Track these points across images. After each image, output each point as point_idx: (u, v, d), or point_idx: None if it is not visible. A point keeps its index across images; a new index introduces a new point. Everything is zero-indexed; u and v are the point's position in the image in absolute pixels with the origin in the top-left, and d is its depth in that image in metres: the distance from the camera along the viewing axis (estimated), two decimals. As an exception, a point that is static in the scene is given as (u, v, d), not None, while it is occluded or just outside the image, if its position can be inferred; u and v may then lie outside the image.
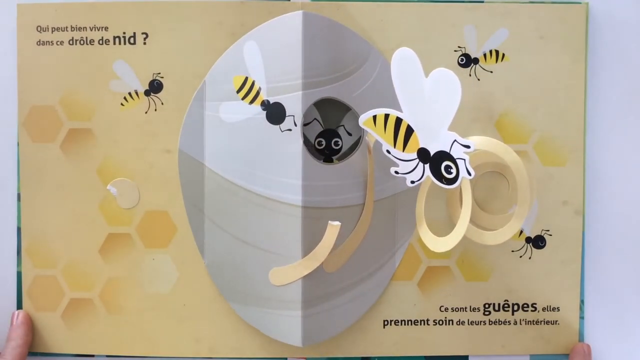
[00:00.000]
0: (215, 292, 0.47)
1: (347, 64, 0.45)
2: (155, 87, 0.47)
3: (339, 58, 0.44)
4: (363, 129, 0.43)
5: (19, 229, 0.47)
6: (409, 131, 0.40)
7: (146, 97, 0.47)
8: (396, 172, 0.42)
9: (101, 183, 0.47)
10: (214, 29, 0.46)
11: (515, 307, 0.47)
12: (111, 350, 0.48)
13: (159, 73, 0.47)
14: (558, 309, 0.47)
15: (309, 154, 0.44)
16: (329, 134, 0.47)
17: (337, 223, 0.43)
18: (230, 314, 0.47)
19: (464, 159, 0.38)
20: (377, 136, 0.42)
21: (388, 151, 0.42)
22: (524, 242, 0.47)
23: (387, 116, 0.41)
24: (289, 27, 0.44)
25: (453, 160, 0.39)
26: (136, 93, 0.47)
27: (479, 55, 0.47)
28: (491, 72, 0.47)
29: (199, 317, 0.47)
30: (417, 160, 0.41)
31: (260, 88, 0.44)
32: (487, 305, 0.47)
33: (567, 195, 0.47)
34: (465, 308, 0.47)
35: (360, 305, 0.46)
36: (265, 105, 0.44)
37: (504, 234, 0.42)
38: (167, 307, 0.47)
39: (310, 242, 0.44)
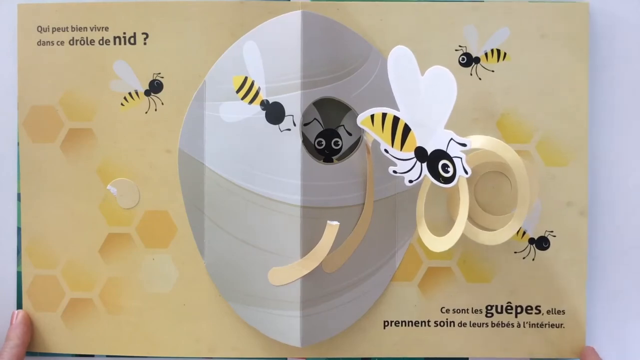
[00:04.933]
0: (215, 292, 0.46)
1: (347, 63, 0.44)
2: (155, 87, 0.46)
3: (339, 57, 0.44)
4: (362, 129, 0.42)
5: (19, 229, 0.47)
6: (406, 130, 0.40)
7: (146, 97, 0.47)
8: (394, 172, 0.42)
9: (101, 183, 0.47)
10: (214, 29, 0.46)
11: (519, 310, 0.46)
12: (111, 350, 0.47)
13: (159, 73, 0.47)
14: (563, 312, 0.46)
15: (308, 154, 0.43)
16: (329, 134, 0.46)
17: (336, 223, 0.43)
18: (230, 314, 0.47)
19: (461, 157, 0.37)
20: (375, 135, 0.41)
21: (386, 150, 0.41)
22: (527, 243, 0.46)
23: (384, 115, 0.40)
24: (288, 26, 0.43)
25: (450, 158, 0.38)
26: (136, 93, 0.46)
27: (480, 55, 0.46)
28: (492, 71, 0.46)
29: (198, 317, 0.47)
30: (415, 159, 0.40)
31: (259, 88, 0.43)
32: (489, 307, 0.47)
33: (571, 196, 0.46)
34: (467, 310, 0.47)
35: (360, 305, 0.46)
36: (265, 105, 0.43)
37: (503, 234, 0.41)
38: (167, 307, 0.47)
39: (309, 242, 0.43)
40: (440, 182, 0.39)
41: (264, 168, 0.44)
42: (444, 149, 0.38)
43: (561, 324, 0.46)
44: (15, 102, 0.47)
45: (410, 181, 0.41)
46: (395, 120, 0.40)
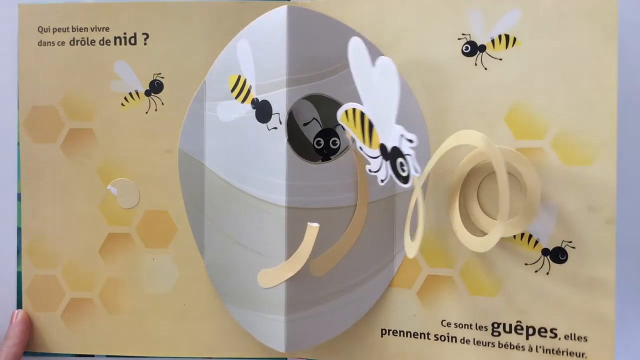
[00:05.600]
0: (214, 292, 0.46)
1: (338, 59, 0.42)
2: (155, 87, 0.46)
3: (328, 53, 0.42)
4: None
5: (19, 229, 0.47)
6: (371, 126, 0.38)
7: (147, 97, 0.47)
8: (370, 170, 0.39)
9: (101, 183, 0.47)
10: (214, 29, 0.45)
11: (530, 331, 0.41)
12: (111, 350, 0.47)
13: (160, 73, 0.46)
14: (585, 339, 0.40)
15: (294, 153, 0.42)
16: (328, 134, 0.45)
17: (316, 225, 0.41)
18: (230, 314, 0.46)
19: (411, 155, 0.34)
20: (351, 132, 0.39)
21: (361, 148, 0.39)
22: (540, 254, 0.40)
23: (354, 110, 0.38)
24: (275, 23, 0.41)
25: (404, 156, 0.35)
26: (137, 93, 0.46)
27: (486, 42, 0.42)
28: (500, 59, 0.41)
29: (198, 317, 0.47)
30: (381, 157, 0.38)
31: (250, 86, 0.42)
32: (495, 325, 0.42)
33: (595, 200, 0.39)
34: (471, 325, 0.42)
35: (353, 312, 0.44)
36: (255, 103, 0.42)
37: (485, 242, 0.38)
38: (167, 307, 0.47)
39: (295, 244, 0.42)
40: (401, 182, 0.37)
41: (254, 168, 0.43)
42: (398, 146, 0.35)
43: (583, 354, 0.40)
44: (15, 102, 0.47)
45: (382, 180, 0.39)
46: (362, 115, 0.38)
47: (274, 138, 0.42)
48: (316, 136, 0.45)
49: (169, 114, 0.46)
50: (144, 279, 0.47)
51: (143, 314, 0.47)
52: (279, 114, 0.41)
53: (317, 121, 0.45)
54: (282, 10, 0.41)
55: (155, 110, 0.46)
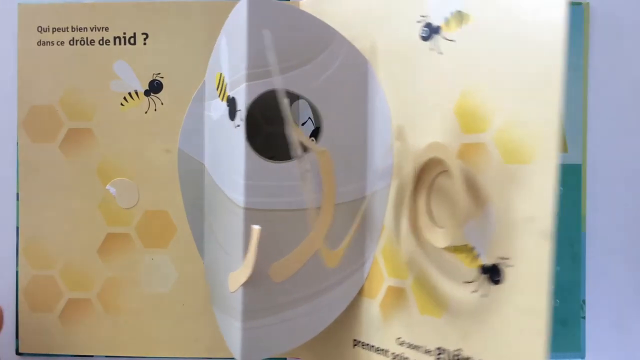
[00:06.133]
0: None
1: (303, 51, 0.38)
2: (155, 87, 0.46)
3: (293, 45, 0.38)
4: None
5: (18, 229, 0.47)
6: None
7: (146, 97, 0.47)
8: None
9: (101, 183, 0.47)
10: (214, 29, 0.45)
11: None
12: (110, 351, 0.47)
13: (159, 73, 0.46)
14: None
15: (252, 151, 0.38)
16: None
17: (258, 227, 0.37)
18: (227, 314, 0.45)
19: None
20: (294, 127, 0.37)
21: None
22: (479, 271, 0.32)
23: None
24: (238, 15, 0.38)
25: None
26: (136, 93, 0.46)
27: (441, 22, 0.35)
28: (453, 41, 0.34)
29: (197, 317, 0.47)
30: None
31: (226, 83, 0.40)
32: (440, 351, 0.35)
33: (534, 208, 0.30)
34: (419, 347, 0.36)
35: (317, 321, 0.40)
36: (228, 100, 0.40)
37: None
38: (166, 307, 0.47)
39: None
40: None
41: (226, 166, 0.40)
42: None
43: None
44: (15, 102, 0.47)
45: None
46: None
47: (237, 136, 0.38)
48: (310, 136, 0.45)
49: (168, 113, 0.46)
50: (142, 279, 0.46)
51: (142, 314, 0.46)
52: (240, 110, 0.38)
53: (312, 121, 0.45)
54: (243, 2, 0.37)
55: (155, 110, 0.46)
